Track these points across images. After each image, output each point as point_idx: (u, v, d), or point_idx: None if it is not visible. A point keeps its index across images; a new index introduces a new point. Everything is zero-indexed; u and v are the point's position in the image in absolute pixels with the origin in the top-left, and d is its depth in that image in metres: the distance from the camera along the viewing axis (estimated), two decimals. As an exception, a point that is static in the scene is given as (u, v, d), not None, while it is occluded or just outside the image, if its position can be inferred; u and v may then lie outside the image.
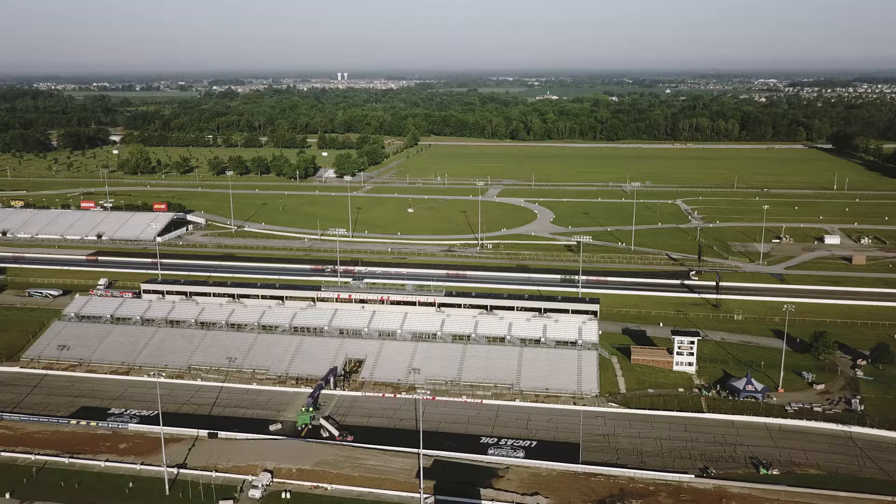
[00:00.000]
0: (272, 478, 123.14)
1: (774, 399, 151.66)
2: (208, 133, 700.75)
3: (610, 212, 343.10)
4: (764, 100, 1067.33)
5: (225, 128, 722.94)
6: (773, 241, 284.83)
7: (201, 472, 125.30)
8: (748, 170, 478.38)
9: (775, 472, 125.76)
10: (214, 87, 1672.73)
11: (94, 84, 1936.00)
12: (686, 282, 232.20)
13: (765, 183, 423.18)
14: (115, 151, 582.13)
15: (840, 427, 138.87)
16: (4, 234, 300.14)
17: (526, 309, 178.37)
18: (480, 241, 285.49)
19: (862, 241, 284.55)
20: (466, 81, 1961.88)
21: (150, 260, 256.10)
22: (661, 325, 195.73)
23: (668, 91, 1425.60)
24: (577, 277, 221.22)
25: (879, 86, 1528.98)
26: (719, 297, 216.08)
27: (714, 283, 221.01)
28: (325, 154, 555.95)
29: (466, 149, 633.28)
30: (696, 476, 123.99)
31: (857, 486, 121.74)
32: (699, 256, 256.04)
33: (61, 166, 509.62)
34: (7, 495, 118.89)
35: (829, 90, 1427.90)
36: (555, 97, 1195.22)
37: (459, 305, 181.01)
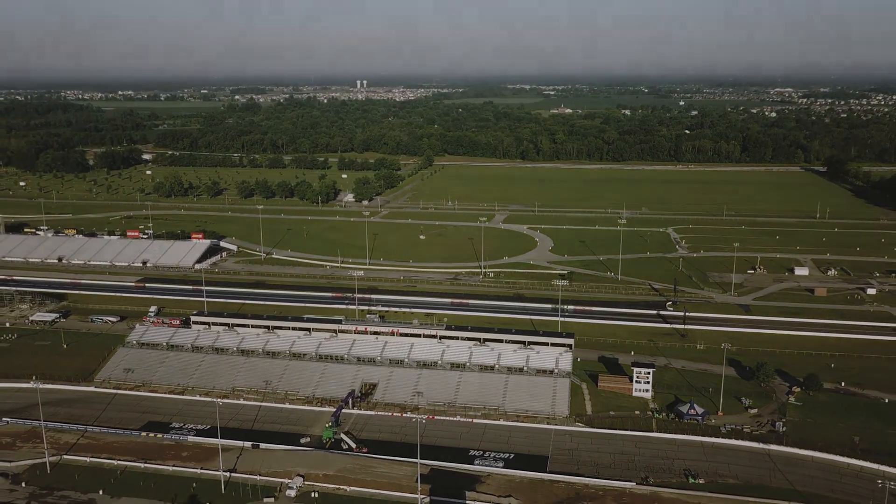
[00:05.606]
0: (304, 481, 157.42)
1: (713, 421, 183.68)
2: (234, 152, 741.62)
3: (605, 240, 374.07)
4: (774, 114, 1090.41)
5: (250, 146, 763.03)
6: (748, 271, 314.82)
7: (248, 476, 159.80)
8: (742, 195, 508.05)
9: (701, 481, 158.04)
10: (237, 97, 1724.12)
11: (120, 93, 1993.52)
12: (662, 312, 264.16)
13: (755, 210, 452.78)
14: (149, 172, 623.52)
15: (760, 445, 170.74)
16: (60, 260, 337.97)
17: (513, 341, 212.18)
18: (483, 270, 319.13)
19: (829, 273, 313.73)
20: (483, 90, 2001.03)
21: (190, 287, 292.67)
22: (633, 353, 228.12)
23: (681, 103, 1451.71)
24: (562, 307, 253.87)
25: (894, 97, 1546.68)
26: (687, 327, 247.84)
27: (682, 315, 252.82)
28: (344, 176, 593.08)
29: (478, 170, 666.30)
30: (637, 483, 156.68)
31: (765, 493, 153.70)
32: (675, 288, 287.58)
33: (100, 188, 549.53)
34: (100, 492, 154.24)
35: (842, 101, 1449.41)
36: (569, 110, 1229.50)
37: (457, 338, 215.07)
